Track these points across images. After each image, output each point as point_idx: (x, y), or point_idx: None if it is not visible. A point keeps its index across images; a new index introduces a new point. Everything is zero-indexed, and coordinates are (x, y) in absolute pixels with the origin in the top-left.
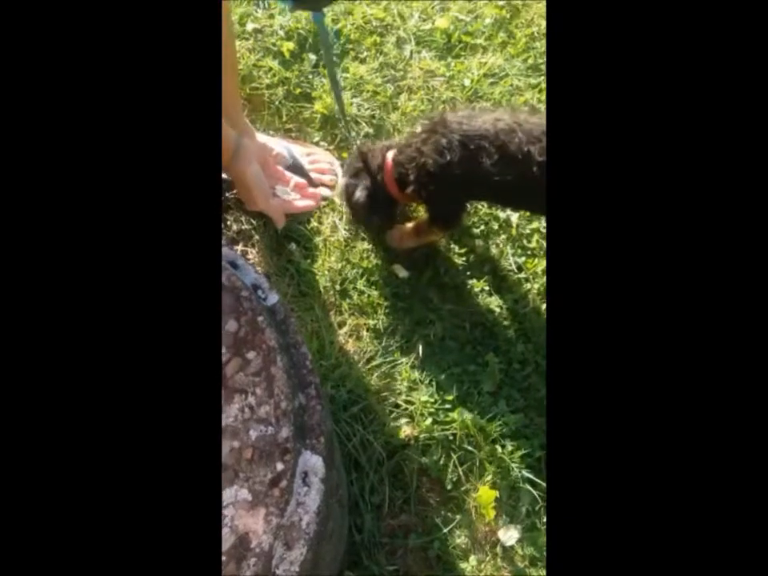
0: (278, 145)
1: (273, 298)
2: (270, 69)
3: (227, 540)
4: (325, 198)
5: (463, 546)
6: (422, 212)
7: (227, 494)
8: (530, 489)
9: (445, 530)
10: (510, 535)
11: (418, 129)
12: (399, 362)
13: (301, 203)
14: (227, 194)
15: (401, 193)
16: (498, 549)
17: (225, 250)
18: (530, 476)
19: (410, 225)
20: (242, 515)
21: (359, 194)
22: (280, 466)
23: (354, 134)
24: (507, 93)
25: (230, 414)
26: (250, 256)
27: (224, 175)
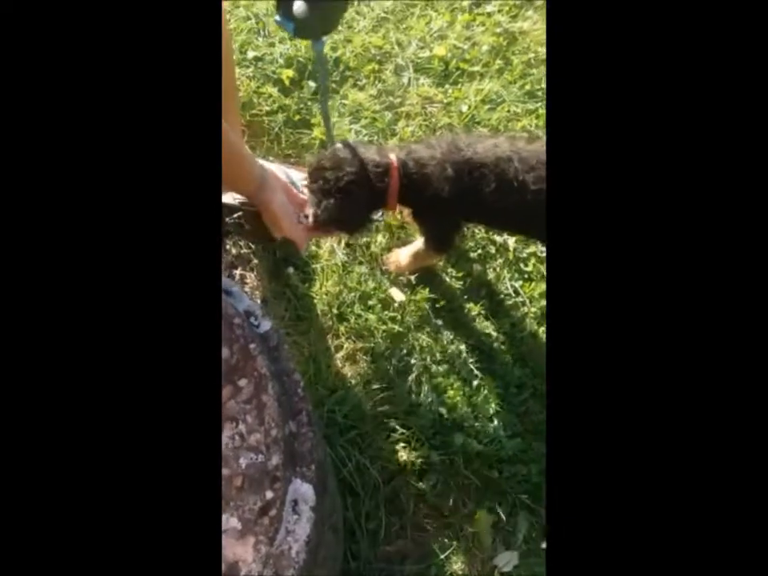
0: (278, 170)
1: (266, 325)
2: (270, 96)
3: None
4: None
5: (460, 573)
6: (417, 235)
7: None
8: (528, 514)
9: (442, 556)
10: (507, 561)
11: (429, 148)
12: (396, 386)
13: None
14: (227, 219)
15: (394, 205)
16: (496, 575)
17: None
18: (528, 502)
19: (405, 248)
20: (231, 543)
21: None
22: (270, 494)
23: None
24: (504, 119)
25: (221, 441)
26: (248, 280)
27: (224, 199)
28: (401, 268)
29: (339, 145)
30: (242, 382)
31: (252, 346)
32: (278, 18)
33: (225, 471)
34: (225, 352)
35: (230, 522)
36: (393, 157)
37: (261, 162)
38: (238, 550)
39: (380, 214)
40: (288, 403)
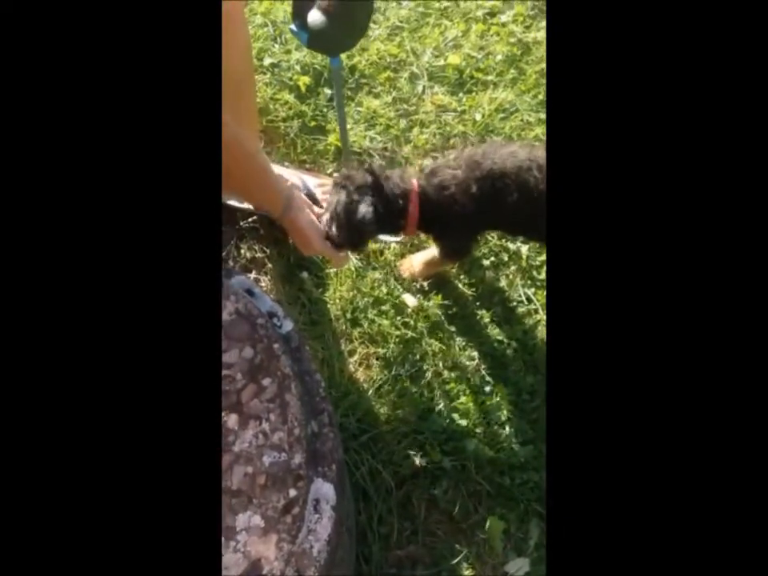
0: (293, 176)
1: (288, 326)
2: (286, 102)
3: (240, 565)
4: None
5: None
6: (431, 242)
7: (241, 520)
8: (539, 521)
9: (453, 562)
10: (518, 568)
11: (449, 168)
12: (409, 391)
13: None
14: (241, 223)
15: (413, 231)
16: None
17: (241, 278)
18: (539, 509)
19: (419, 255)
20: (254, 541)
21: (365, 210)
22: (293, 493)
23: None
24: (518, 128)
25: (245, 439)
26: (263, 284)
27: (235, 203)
28: (415, 274)
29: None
30: (266, 381)
31: (276, 345)
32: (293, 27)
33: (248, 469)
34: (249, 351)
35: (252, 519)
36: (414, 183)
37: (276, 167)
38: (260, 547)
39: (398, 238)
40: (310, 403)
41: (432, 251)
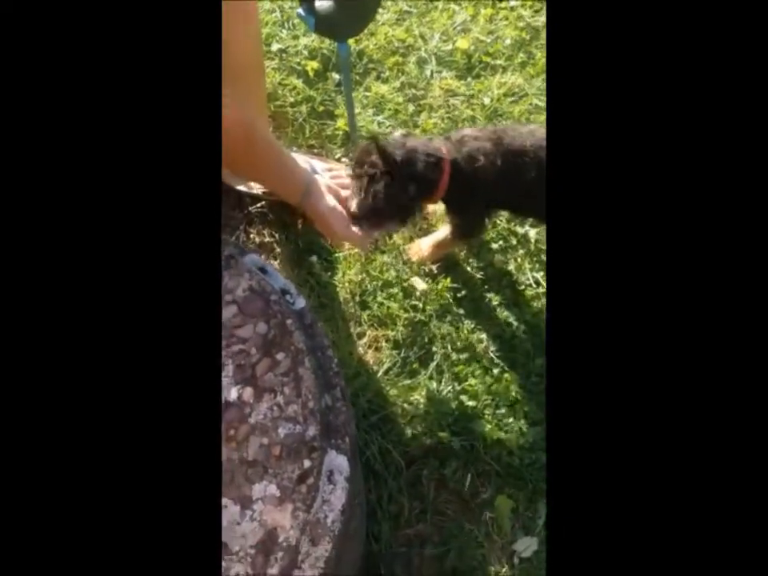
0: (301, 160)
1: (300, 303)
2: (295, 87)
3: (256, 534)
4: None
5: (480, 557)
6: (439, 225)
7: (257, 489)
8: (547, 502)
9: (461, 541)
10: (526, 547)
11: (477, 140)
12: (418, 373)
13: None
14: (250, 209)
15: (438, 198)
16: (515, 560)
17: (254, 257)
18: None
19: (427, 238)
20: (270, 510)
21: (412, 188)
22: (307, 463)
23: None
24: (527, 112)
25: (260, 411)
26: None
27: (244, 188)
28: (424, 258)
29: (393, 136)
30: (280, 356)
31: (289, 321)
32: (300, 11)
33: (264, 440)
34: (263, 327)
35: (268, 489)
36: (444, 150)
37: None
38: (276, 516)
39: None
40: (323, 377)
41: (441, 233)
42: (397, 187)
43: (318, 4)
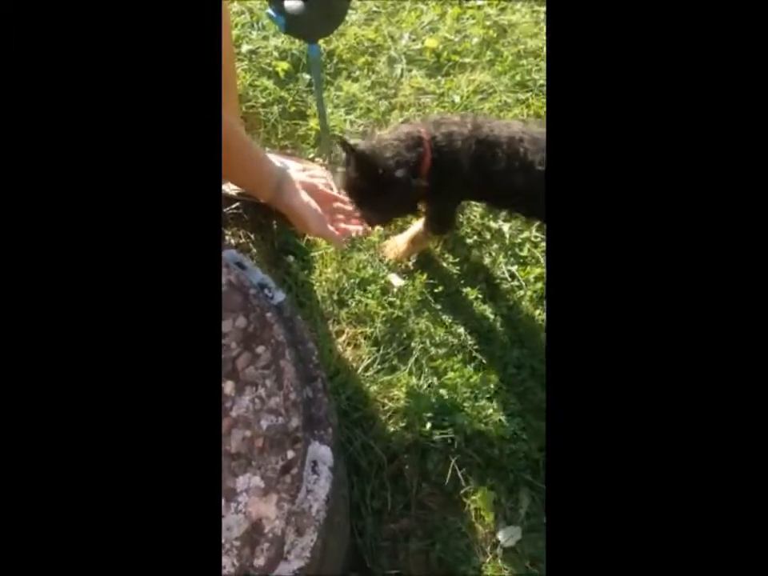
0: (275, 161)
1: (279, 297)
2: (266, 88)
3: (241, 525)
4: None
5: (464, 549)
6: (414, 221)
7: (241, 482)
8: (529, 490)
9: (445, 533)
10: (510, 536)
11: (455, 125)
12: (397, 368)
13: (356, 228)
14: (225, 210)
15: (426, 173)
16: (499, 550)
17: (232, 252)
18: (528, 478)
19: (401, 235)
20: (254, 501)
21: (402, 174)
22: (291, 454)
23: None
24: (496, 108)
25: (242, 405)
26: None
27: (224, 189)
28: (399, 254)
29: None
30: (260, 349)
31: (268, 315)
32: (270, 11)
33: (247, 433)
34: (242, 321)
35: (252, 480)
36: (423, 130)
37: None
38: (261, 507)
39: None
40: (304, 370)
41: (414, 229)
42: (387, 180)
43: (287, 4)
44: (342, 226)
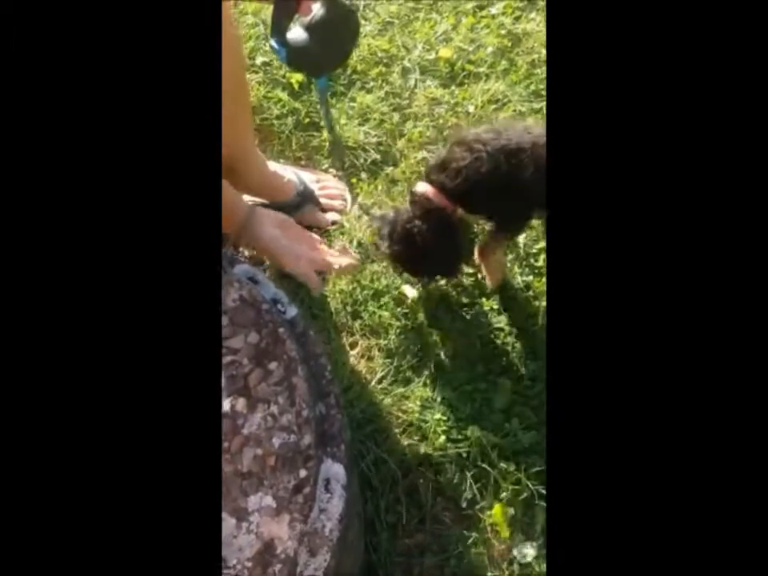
0: (289, 172)
1: (292, 311)
2: (280, 100)
3: (253, 546)
4: (334, 223)
5: (479, 564)
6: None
7: (252, 501)
8: (545, 506)
9: (460, 548)
10: (525, 552)
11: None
12: (411, 381)
13: (341, 261)
14: None
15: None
16: (515, 566)
17: (245, 267)
18: (545, 493)
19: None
20: (266, 522)
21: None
22: (303, 473)
23: (362, 160)
24: (510, 118)
25: (254, 422)
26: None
27: None
28: (503, 273)
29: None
30: (272, 365)
31: (281, 330)
32: (273, 42)
33: (258, 451)
34: (254, 337)
35: (264, 500)
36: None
37: (272, 163)
38: (273, 528)
39: None
40: (317, 386)
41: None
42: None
43: (290, 35)
44: (329, 258)
